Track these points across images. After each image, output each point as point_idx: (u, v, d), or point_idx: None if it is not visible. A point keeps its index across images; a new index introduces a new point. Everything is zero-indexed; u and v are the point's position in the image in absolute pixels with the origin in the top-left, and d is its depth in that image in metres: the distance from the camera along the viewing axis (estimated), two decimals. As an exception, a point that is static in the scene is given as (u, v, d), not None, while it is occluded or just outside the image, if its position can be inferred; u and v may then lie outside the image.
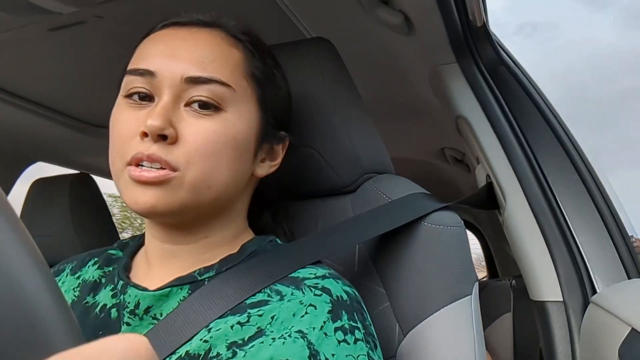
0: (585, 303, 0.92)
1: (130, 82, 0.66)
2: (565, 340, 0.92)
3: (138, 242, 0.79)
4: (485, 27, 1.17)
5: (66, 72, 1.39)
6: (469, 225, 3.58)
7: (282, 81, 0.77)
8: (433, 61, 1.23)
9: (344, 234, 0.77)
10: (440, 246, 0.77)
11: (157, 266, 0.72)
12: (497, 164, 1.09)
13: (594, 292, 0.93)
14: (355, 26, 1.21)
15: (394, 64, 1.37)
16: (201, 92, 0.64)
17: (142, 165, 0.62)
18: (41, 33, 1.15)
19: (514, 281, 2.08)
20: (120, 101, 0.68)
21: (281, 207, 0.88)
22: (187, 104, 0.64)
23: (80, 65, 1.34)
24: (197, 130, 0.63)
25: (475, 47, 1.20)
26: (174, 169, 0.62)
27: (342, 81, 0.89)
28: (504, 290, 2.10)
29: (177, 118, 0.63)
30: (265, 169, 0.75)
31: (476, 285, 0.78)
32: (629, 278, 0.93)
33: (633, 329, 0.70)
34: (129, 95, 0.66)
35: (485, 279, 3.51)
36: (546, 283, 0.96)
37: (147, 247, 0.74)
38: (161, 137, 0.62)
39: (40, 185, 1.75)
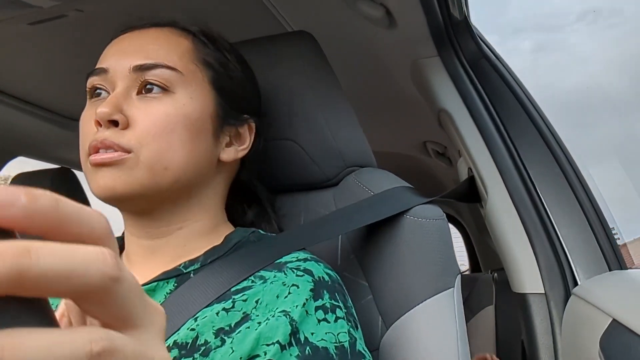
0: (567, 295, 0.92)
1: (90, 83, 0.71)
2: (546, 332, 0.92)
3: (120, 243, 0.79)
4: (466, 20, 1.17)
5: (48, 66, 1.37)
6: (451, 219, 3.60)
7: (237, 66, 0.78)
8: (414, 54, 1.23)
9: (328, 225, 0.77)
10: (422, 239, 0.77)
11: (138, 264, 0.72)
12: (479, 157, 1.09)
13: (575, 284, 0.93)
14: (336, 19, 1.20)
15: (375, 58, 1.37)
16: (148, 77, 0.67)
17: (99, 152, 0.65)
18: (22, 27, 1.14)
19: (496, 274, 2.10)
20: (87, 103, 0.72)
21: (268, 203, 0.88)
22: (139, 92, 0.68)
23: (62, 59, 1.32)
24: (146, 112, 0.66)
25: (457, 40, 1.20)
26: (127, 151, 0.64)
27: (324, 75, 0.89)
28: (486, 283, 2.12)
29: (129, 105, 0.66)
30: (231, 153, 0.75)
31: (458, 277, 0.78)
32: (610, 270, 0.94)
33: (614, 320, 0.70)
34: (90, 95, 0.72)
35: (467, 272, 3.53)
36: (528, 275, 0.97)
37: (126, 246, 0.75)
38: (112, 123, 0.65)
39: (21, 180, 1.73)
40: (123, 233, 0.77)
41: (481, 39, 1.26)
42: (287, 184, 0.90)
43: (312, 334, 0.58)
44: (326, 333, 0.59)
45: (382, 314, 0.76)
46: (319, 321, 0.60)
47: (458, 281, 0.78)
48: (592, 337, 0.74)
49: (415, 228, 0.77)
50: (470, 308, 2.05)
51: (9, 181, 1.79)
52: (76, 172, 1.81)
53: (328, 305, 0.62)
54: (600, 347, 0.71)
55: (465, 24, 1.18)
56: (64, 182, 1.73)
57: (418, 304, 0.74)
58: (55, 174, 1.72)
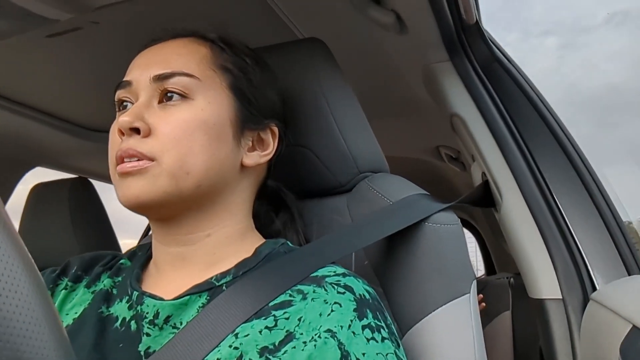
0: (585, 300, 0.91)
1: (117, 96, 0.73)
2: (565, 338, 0.91)
3: (147, 252, 0.80)
4: (477, 24, 1.17)
5: (64, 78, 1.39)
6: (465, 223, 3.58)
7: (257, 69, 0.78)
8: (426, 59, 1.23)
9: (355, 235, 0.77)
10: (437, 245, 0.76)
11: (168, 273, 0.72)
12: (493, 162, 1.08)
13: (594, 289, 0.92)
14: (347, 26, 1.20)
15: (387, 63, 1.37)
16: (167, 86, 0.69)
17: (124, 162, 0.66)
18: (39, 40, 1.16)
19: (512, 279, 2.08)
20: (116, 116, 0.74)
21: (297, 211, 0.87)
22: (160, 101, 0.69)
23: (78, 70, 1.34)
24: (167, 120, 0.67)
25: (468, 44, 1.20)
26: (150, 159, 0.65)
27: (337, 81, 0.89)
28: (502, 288, 2.10)
29: (150, 114, 0.68)
30: (254, 158, 0.75)
31: (474, 283, 0.78)
32: (629, 274, 0.93)
33: (634, 326, 0.69)
34: (118, 108, 0.74)
35: (482, 277, 3.51)
36: (545, 281, 0.96)
37: (155, 255, 0.75)
38: (134, 132, 0.66)
39: (40, 190, 1.77)
40: (151, 241, 0.77)
41: (493, 43, 1.25)
42: (300, 190, 0.90)
43: (364, 354, 0.58)
44: (377, 354, 0.58)
45: (397, 321, 0.76)
46: (368, 340, 0.59)
47: (474, 287, 0.77)
48: (611, 343, 0.73)
49: (431, 234, 0.77)
50: (487, 314, 2.04)
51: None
52: (93, 181, 1.83)
53: (373, 324, 0.61)
54: (621, 354, 0.70)
55: (476, 28, 1.18)
56: (82, 192, 1.76)
57: (434, 311, 0.74)
58: (73, 183, 1.75)
